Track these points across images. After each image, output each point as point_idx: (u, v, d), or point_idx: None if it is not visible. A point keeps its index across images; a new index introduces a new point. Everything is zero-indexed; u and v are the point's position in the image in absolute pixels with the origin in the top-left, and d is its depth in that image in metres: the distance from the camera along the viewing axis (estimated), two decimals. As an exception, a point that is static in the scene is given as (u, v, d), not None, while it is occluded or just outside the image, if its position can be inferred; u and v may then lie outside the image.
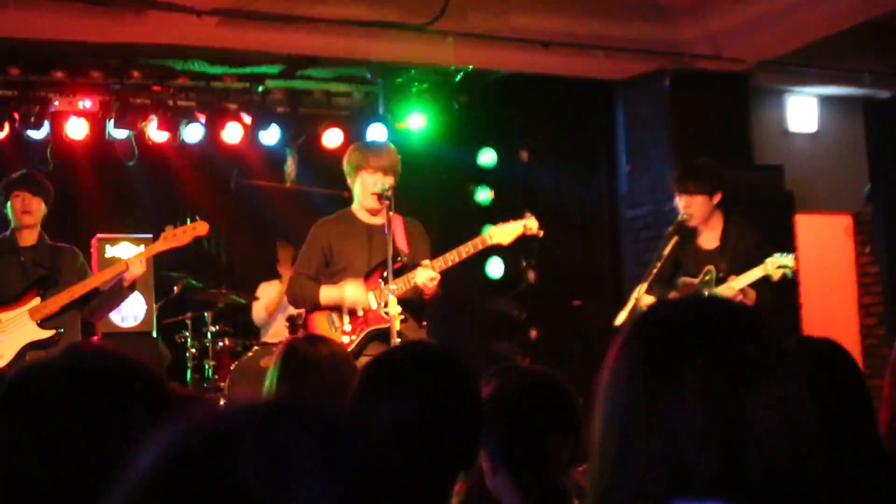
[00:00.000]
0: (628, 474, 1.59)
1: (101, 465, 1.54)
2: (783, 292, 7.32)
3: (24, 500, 1.55)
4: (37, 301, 6.60)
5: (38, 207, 6.73)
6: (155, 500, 1.00)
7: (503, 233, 6.65)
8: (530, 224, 6.66)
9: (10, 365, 6.41)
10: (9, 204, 6.69)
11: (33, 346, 6.50)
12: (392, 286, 6.18)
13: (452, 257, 6.44)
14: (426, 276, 6.32)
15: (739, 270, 6.82)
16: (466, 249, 6.48)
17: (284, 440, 1.01)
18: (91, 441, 1.59)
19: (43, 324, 6.57)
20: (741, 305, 1.83)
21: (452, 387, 2.65)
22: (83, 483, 1.55)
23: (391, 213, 6.31)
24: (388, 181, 6.43)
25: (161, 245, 6.91)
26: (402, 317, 6.20)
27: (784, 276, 6.66)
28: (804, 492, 1.57)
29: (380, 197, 6.35)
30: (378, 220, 6.41)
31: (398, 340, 6.08)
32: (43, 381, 1.67)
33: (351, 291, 6.39)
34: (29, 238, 6.78)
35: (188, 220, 10.61)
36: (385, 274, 6.25)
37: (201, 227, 7.11)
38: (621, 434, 1.62)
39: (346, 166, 6.61)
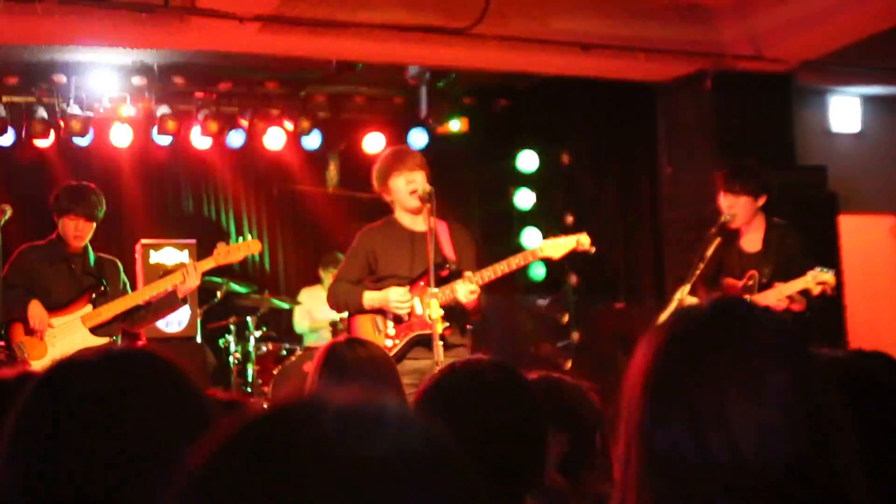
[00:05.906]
0: (679, 486, 1.57)
1: (129, 465, 1.57)
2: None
3: (50, 497, 1.55)
4: (88, 308, 6.65)
5: (90, 232, 6.77)
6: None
7: (555, 247, 6.64)
8: (583, 240, 6.65)
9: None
10: (61, 221, 6.72)
11: None
12: (434, 290, 6.18)
13: (502, 268, 6.44)
14: (466, 290, 6.33)
15: (783, 276, 6.77)
16: (516, 261, 6.48)
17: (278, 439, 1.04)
18: (119, 441, 1.58)
19: (95, 331, 6.62)
20: (760, 309, 1.79)
21: (514, 406, 2.63)
22: (108, 481, 1.55)
23: (434, 218, 6.28)
24: (420, 177, 6.43)
25: (214, 261, 6.92)
26: (446, 324, 6.17)
27: (823, 293, 6.61)
28: (848, 495, 1.57)
29: (420, 198, 6.33)
30: (421, 227, 6.39)
31: (441, 345, 6.08)
32: (76, 377, 1.67)
33: (395, 293, 6.41)
34: (77, 246, 6.83)
35: (231, 226, 10.72)
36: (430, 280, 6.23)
37: (254, 246, 7.16)
38: (666, 446, 1.59)
39: (375, 182, 6.60)
